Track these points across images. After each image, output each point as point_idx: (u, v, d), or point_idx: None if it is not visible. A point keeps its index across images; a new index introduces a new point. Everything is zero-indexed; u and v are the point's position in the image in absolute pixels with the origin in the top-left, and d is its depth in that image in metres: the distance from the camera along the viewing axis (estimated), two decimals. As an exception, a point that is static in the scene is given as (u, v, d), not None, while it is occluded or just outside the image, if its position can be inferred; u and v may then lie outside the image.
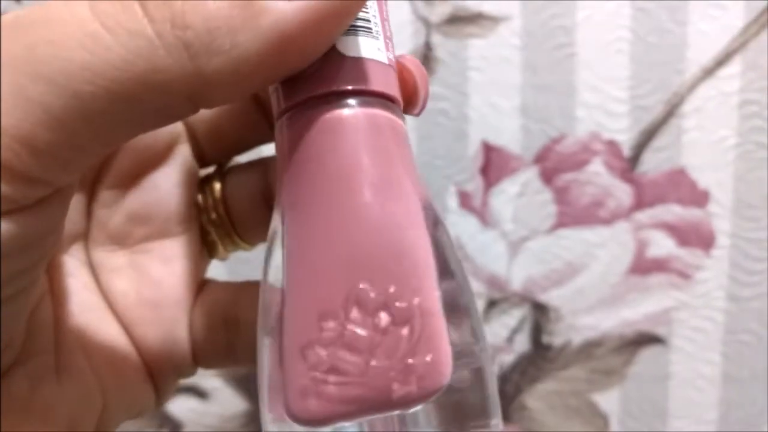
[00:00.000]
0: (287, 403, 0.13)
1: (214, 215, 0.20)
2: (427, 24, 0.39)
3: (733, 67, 0.39)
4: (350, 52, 0.14)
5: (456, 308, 0.14)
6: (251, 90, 0.13)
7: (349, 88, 0.14)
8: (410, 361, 0.13)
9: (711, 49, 0.39)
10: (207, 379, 0.44)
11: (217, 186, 0.20)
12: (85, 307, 0.18)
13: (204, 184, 0.20)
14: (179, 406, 0.44)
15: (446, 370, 0.13)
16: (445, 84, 0.40)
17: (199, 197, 0.20)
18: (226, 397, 0.44)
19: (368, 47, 0.14)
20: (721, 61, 0.39)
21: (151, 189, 0.19)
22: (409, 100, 0.16)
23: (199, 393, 0.44)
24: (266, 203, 0.19)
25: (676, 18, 0.39)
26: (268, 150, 0.19)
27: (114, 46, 0.12)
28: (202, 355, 0.20)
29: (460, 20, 0.39)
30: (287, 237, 0.14)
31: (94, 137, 0.12)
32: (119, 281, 0.19)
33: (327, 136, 0.14)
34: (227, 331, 0.19)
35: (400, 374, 0.13)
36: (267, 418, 0.14)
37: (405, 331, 0.13)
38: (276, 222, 0.15)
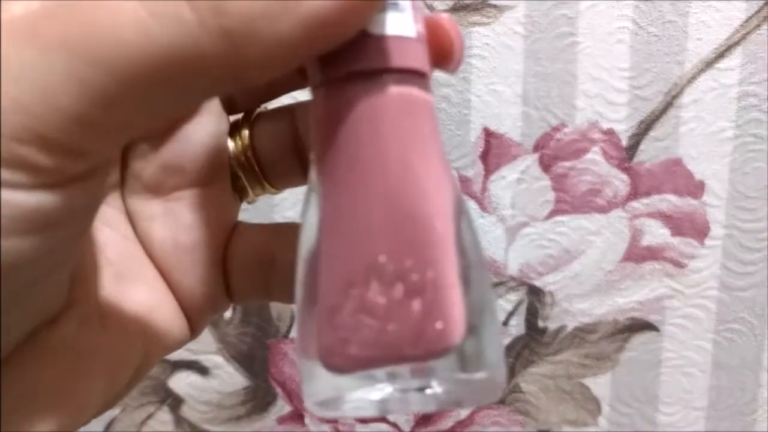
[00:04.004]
0: (319, 355, 0.15)
1: (243, 161, 0.20)
2: (432, 11, 0.40)
3: (733, 60, 0.40)
4: (376, 30, 0.15)
5: (469, 283, 0.15)
6: (286, 70, 0.14)
7: (374, 67, 0.15)
8: (421, 327, 0.14)
9: (711, 41, 0.40)
10: (208, 356, 0.44)
11: (246, 133, 0.20)
12: (124, 255, 0.19)
13: (234, 130, 0.21)
14: (180, 382, 0.45)
15: (454, 336, 0.14)
16: (448, 70, 0.40)
17: (230, 143, 0.20)
18: (226, 374, 0.45)
19: (394, 24, 0.15)
20: (722, 53, 0.40)
21: (183, 140, 0.19)
22: (445, 58, 0.17)
23: (200, 369, 0.45)
24: (293, 149, 0.20)
25: (678, 9, 0.39)
26: (293, 97, 0.20)
27: (160, 32, 0.12)
28: (237, 293, 0.21)
29: (465, 8, 0.39)
30: (321, 204, 0.16)
31: (141, 114, 0.13)
32: (156, 228, 0.20)
33: (354, 114, 0.15)
34: (262, 270, 0.20)
35: (411, 338, 0.14)
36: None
37: (417, 301, 0.14)
38: (312, 184, 0.16)
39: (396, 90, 0.15)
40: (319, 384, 0.15)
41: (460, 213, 0.16)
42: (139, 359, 0.19)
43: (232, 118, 0.21)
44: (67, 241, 0.15)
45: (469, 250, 0.16)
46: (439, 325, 0.14)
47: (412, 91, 0.15)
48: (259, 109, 0.21)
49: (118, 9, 0.13)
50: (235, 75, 0.13)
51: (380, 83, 0.15)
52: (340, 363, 0.15)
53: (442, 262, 0.15)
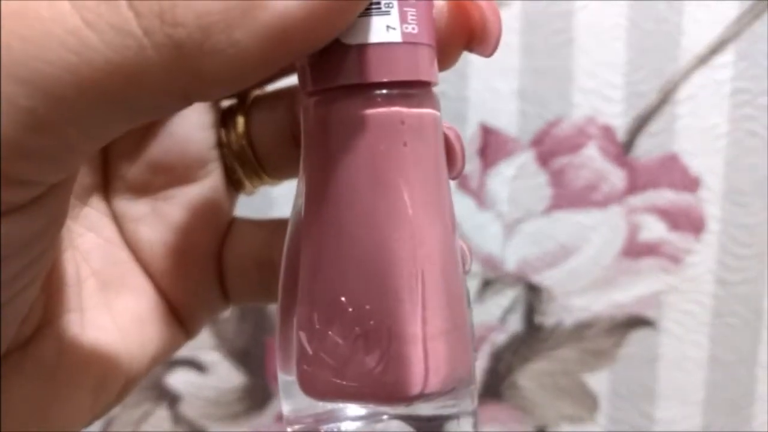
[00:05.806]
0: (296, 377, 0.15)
1: (238, 151, 0.19)
2: None
3: (727, 56, 0.40)
4: (354, 40, 0.13)
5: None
6: (249, 84, 0.12)
7: (349, 83, 0.13)
8: (377, 376, 0.14)
9: (705, 38, 0.40)
10: (205, 352, 0.44)
11: (241, 120, 0.19)
12: (110, 261, 0.18)
13: (227, 117, 0.19)
14: (178, 379, 0.45)
15: (411, 389, 0.14)
16: (446, 66, 0.40)
17: (222, 132, 0.19)
18: (224, 371, 0.45)
19: (376, 30, 0.13)
20: (715, 49, 0.40)
21: (167, 135, 0.18)
22: (477, 39, 0.15)
23: (198, 366, 0.45)
24: (292, 137, 0.18)
25: (672, 6, 0.40)
26: (294, 79, 0.17)
27: (97, 44, 0.11)
28: (234, 294, 0.19)
29: (462, 4, 0.40)
30: (302, 219, 0.15)
31: (83, 136, 0.12)
32: (144, 230, 0.18)
33: (330, 134, 0.14)
34: (260, 270, 0.19)
35: (368, 384, 0.14)
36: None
37: (375, 349, 0.14)
38: (300, 183, 0.15)
39: (371, 111, 0.14)
40: (296, 400, 0.15)
41: (450, 251, 0.15)
42: (128, 370, 0.18)
43: (226, 103, 0.19)
44: (17, 274, 0.13)
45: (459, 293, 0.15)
46: (394, 376, 0.14)
47: (394, 109, 0.14)
48: (255, 93, 0.19)
49: (49, 17, 0.11)
50: (189, 92, 0.12)
51: (356, 102, 0.14)
52: (309, 392, 0.15)
53: (404, 311, 0.14)
